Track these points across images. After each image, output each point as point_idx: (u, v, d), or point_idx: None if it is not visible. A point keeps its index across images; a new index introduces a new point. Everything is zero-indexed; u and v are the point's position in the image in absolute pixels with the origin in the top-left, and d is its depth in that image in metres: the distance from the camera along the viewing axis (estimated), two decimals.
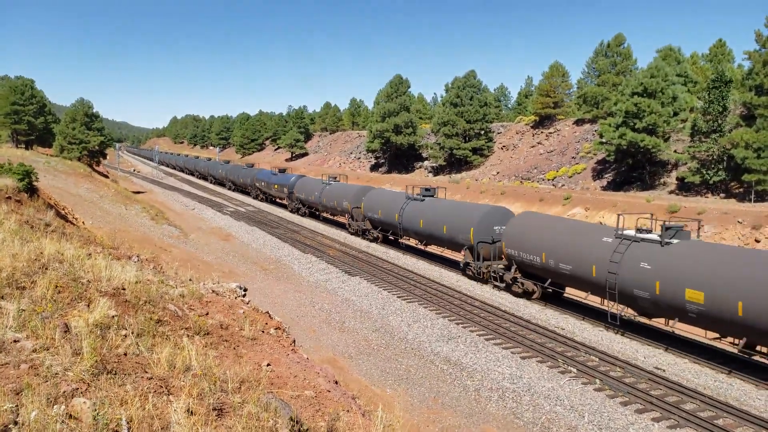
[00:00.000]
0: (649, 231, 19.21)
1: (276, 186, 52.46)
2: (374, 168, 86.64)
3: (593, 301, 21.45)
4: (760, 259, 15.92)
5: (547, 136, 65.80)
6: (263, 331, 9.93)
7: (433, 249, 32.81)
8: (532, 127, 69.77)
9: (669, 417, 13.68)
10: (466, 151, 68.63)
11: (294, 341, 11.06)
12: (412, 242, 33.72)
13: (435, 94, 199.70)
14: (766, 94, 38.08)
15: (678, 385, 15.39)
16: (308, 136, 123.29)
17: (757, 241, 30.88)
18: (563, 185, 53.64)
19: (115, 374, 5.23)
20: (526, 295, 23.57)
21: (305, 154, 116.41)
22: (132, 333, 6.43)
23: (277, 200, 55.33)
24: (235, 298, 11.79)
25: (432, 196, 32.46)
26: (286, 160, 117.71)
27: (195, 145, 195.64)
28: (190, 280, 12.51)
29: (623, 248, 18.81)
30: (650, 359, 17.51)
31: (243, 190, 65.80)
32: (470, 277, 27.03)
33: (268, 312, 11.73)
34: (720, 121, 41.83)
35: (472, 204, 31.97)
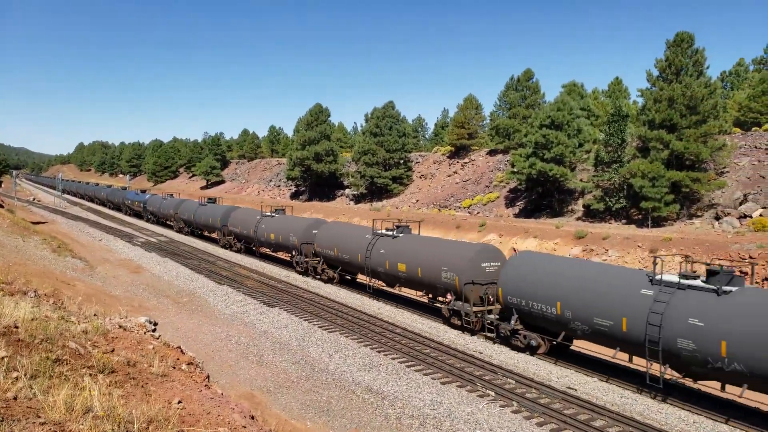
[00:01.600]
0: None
1: (137, 203, 69.36)
2: (294, 196, 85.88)
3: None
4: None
5: (462, 165, 67.99)
6: (174, 367, 9.44)
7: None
8: (448, 157, 71.90)
9: None
10: (387, 180, 69.58)
11: (208, 377, 10.58)
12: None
13: (355, 123, 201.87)
14: (658, 128, 41.35)
15: (588, 403, 16.05)
16: (225, 164, 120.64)
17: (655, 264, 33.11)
18: (478, 212, 55.41)
19: (2, 421, 4.76)
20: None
21: (222, 182, 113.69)
22: (25, 375, 5.91)
23: (140, 214, 69.20)
24: (144, 333, 11.17)
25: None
26: (202, 188, 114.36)
27: (103, 172, 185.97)
28: (94, 315, 11.75)
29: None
30: (563, 379, 18.16)
31: (118, 207, 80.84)
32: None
33: (180, 347, 11.19)
34: (619, 153, 44.93)
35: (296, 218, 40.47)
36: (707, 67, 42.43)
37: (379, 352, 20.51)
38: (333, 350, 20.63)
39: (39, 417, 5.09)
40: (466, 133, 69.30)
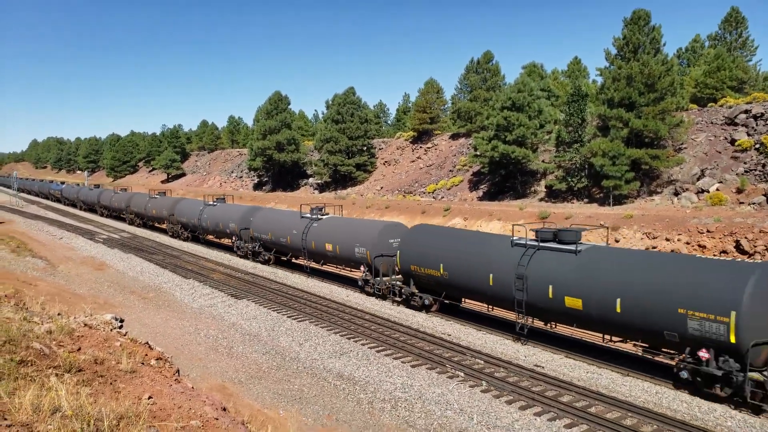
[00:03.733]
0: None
1: (56, 191, 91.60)
2: (258, 187, 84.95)
3: None
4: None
5: (425, 150, 68.27)
6: (143, 363, 9.36)
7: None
8: (411, 142, 72.06)
9: (549, 410, 14.61)
10: (350, 167, 69.38)
11: (178, 371, 10.53)
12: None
13: (316, 110, 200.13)
14: (617, 107, 42.11)
15: (555, 379, 16.51)
16: (185, 156, 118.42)
17: (617, 241, 34.03)
18: (443, 197, 55.84)
19: None
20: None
21: (183, 175, 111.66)
22: None
23: (59, 199, 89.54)
24: (111, 330, 11.02)
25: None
26: (162, 181, 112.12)
27: (60, 169, 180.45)
28: (59, 314, 11.54)
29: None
30: (530, 358, 18.62)
31: (46, 197, 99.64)
32: None
33: (147, 342, 11.08)
34: (580, 132, 45.68)
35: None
36: (664, 44, 43.05)
37: (348, 338, 20.65)
38: (303, 339, 20.68)
39: (5, 419, 5.02)
40: (428, 118, 69.47)
